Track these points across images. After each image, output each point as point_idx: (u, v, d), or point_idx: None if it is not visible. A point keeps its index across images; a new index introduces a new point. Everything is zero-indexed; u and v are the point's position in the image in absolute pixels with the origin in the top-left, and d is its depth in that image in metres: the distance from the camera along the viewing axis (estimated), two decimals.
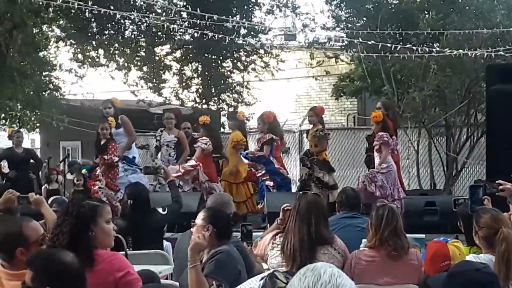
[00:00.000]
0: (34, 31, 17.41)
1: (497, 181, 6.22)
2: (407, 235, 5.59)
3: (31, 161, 13.86)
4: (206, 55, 19.22)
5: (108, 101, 11.79)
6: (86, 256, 3.85)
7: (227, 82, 19.70)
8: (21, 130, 16.42)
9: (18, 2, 13.58)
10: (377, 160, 11.12)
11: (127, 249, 6.05)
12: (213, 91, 19.61)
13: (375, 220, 5.46)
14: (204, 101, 19.71)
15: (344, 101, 21.33)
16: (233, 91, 19.92)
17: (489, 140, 11.13)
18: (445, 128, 15.21)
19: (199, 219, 5.21)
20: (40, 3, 13.45)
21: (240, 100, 19.97)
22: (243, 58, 19.73)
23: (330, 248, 5.30)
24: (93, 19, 17.02)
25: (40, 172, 14.19)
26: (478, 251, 4.86)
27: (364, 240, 5.83)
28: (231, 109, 19.61)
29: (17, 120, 19.09)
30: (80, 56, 19.49)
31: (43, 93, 18.17)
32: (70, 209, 4.09)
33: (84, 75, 19.50)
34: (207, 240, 5.09)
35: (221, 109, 19.75)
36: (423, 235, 7.82)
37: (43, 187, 14.28)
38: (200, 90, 19.80)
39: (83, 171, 15.25)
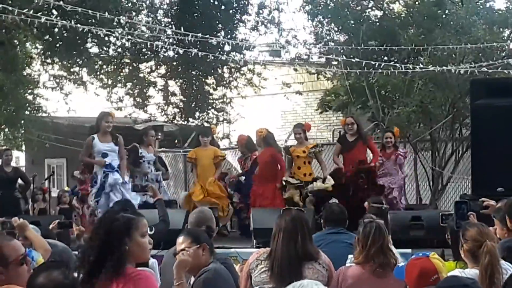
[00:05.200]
0: (17, 49, 17.41)
1: (480, 199, 6.23)
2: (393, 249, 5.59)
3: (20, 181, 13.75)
4: (190, 71, 19.23)
5: (108, 114, 11.44)
6: (114, 272, 3.76)
7: (209, 98, 19.72)
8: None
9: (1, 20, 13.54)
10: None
11: None
12: (196, 108, 19.60)
13: (362, 236, 5.45)
14: (187, 117, 19.68)
15: (330, 116, 21.37)
16: (216, 108, 19.93)
17: (474, 154, 11.17)
18: (430, 143, 15.27)
19: (188, 242, 5.21)
20: (20, 22, 13.40)
21: (222, 117, 19.99)
22: (227, 75, 19.75)
23: (315, 263, 5.28)
24: (77, 37, 16.95)
25: (27, 192, 14.08)
26: (465, 266, 4.87)
27: (350, 256, 5.82)
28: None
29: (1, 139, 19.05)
30: (62, 73, 19.42)
31: (25, 111, 18.11)
32: (102, 222, 3.96)
33: (70, 93, 19.40)
34: (191, 256, 5.08)
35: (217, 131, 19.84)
36: (409, 250, 7.84)
37: (30, 206, 14.21)
38: (182, 107, 19.78)
39: (67, 188, 15.22)
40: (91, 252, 3.84)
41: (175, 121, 19.92)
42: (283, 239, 5.23)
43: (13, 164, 14.24)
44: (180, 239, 5.32)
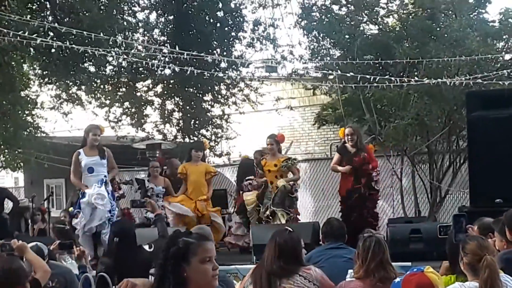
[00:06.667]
0: (14, 71, 17.45)
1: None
2: (393, 263, 5.61)
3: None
4: (187, 89, 19.28)
5: (97, 127, 10.96)
6: None
7: (207, 116, 19.75)
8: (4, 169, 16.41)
9: None
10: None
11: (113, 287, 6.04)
12: (194, 125, 19.63)
13: (362, 251, 5.47)
14: (185, 135, 19.70)
15: (327, 130, 21.42)
16: (214, 125, 19.95)
17: (472, 166, 11.22)
18: (427, 156, 15.32)
19: None
20: (17, 44, 13.43)
21: (220, 135, 20.01)
22: (224, 92, 19.80)
23: (298, 277, 5.36)
24: (73, 57, 16.98)
25: (25, 213, 14.09)
26: (464, 279, 4.89)
27: (350, 271, 5.85)
28: (212, 143, 19.66)
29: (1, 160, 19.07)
30: (61, 93, 19.47)
31: (23, 132, 18.13)
32: (164, 246, 3.74)
33: (70, 112, 19.44)
34: None
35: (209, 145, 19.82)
36: (409, 263, 7.86)
37: (29, 227, 14.25)
38: (180, 125, 19.82)
39: (70, 209, 15.22)
40: (154, 279, 3.72)
41: (174, 140, 19.94)
42: (266, 258, 5.34)
43: (11, 185, 14.28)
44: None
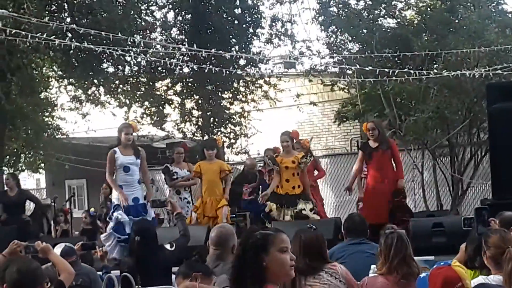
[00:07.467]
0: (33, 73, 17.55)
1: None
2: (416, 258, 5.57)
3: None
4: (206, 87, 19.30)
5: (129, 126, 10.83)
6: None
7: (226, 113, 19.74)
8: (23, 172, 16.52)
9: (17, 44, 13.66)
10: None
11: (136, 287, 6.06)
12: (213, 123, 19.64)
13: (384, 248, 5.42)
14: (204, 133, 19.72)
15: (347, 125, 21.36)
16: (233, 123, 19.94)
17: (493, 158, 11.13)
18: (448, 148, 15.25)
19: (181, 283, 5.36)
20: (38, 45, 13.50)
21: (240, 132, 19.99)
22: (243, 89, 19.79)
23: (324, 274, 5.34)
24: (92, 57, 17.03)
25: (47, 213, 14.13)
26: (486, 273, 4.85)
27: (373, 267, 5.82)
28: (232, 141, 19.65)
29: (21, 162, 19.17)
30: (80, 94, 19.55)
31: (44, 133, 18.22)
32: (241, 240, 3.79)
33: (88, 113, 19.50)
34: None
35: (223, 141, 19.82)
36: (432, 257, 7.82)
37: (52, 228, 14.29)
38: (200, 123, 19.83)
39: (92, 209, 15.28)
40: (232, 271, 3.74)
41: (193, 137, 19.96)
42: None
43: (33, 186, 14.29)
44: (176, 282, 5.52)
